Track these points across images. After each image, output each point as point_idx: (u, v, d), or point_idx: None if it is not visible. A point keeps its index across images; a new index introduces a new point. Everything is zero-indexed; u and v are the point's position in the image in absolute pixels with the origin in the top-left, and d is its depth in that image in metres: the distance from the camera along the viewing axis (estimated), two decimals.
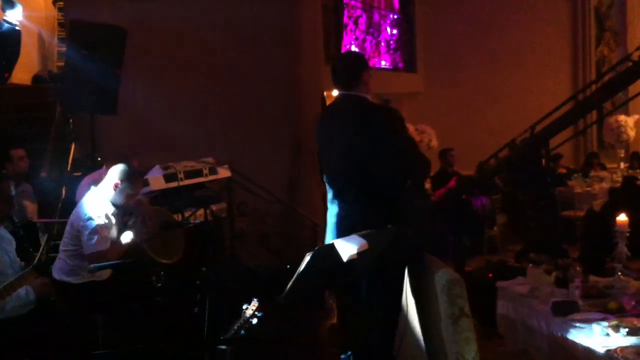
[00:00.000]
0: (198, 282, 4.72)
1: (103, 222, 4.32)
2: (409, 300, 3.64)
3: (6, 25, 6.20)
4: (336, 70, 3.74)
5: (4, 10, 6.24)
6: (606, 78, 9.44)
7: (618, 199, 7.09)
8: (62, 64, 9.98)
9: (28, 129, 8.29)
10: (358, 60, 3.81)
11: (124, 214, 4.61)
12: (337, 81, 3.70)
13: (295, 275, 2.89)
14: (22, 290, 3.50)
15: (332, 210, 3.66)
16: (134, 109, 7.62)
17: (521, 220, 9.75)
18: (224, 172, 6.75)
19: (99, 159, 6.81)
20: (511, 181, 9.77)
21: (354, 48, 11.31)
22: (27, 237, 4.58)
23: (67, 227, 4.46)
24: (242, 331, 3.69)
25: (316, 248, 2.99)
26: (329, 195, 3.72)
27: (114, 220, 4.46)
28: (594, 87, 10.16)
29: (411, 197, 3.71)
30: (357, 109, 3.59)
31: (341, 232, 3.42)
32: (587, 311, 3.76)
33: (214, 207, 6.73)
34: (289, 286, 2.97)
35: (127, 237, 4.42)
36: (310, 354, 5.33)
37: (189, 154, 6.82)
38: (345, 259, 2.95)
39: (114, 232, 4.44)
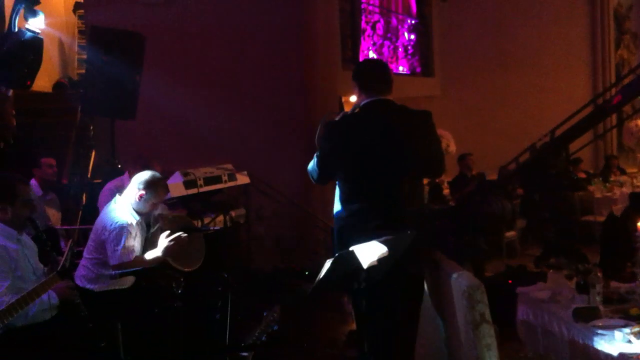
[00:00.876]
0: (219, 288, 4.74)
1: (128, 233, 4.34)
2: (428, 305, 3.64)
3: (29, 33, 6.28)
4: (373, 76, 3.75)
5: (26, 19, 6.32)
6: (625, 81, 9.35)
7: (639, 203, 7.00)
8: (82, 70, 10.10)
9: (49, 135, 8.40)
10: (387, 66, 3.89)
11: (148, 222, 4.63)
12: (374, 87, 3.70)
13: (316, 282, 2.90)
14: (44, 296, 3.53)
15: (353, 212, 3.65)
16: (153, 115, 7.68)
17: (540, 224, 9.70)
18: (242, 179, 6.79)
19: (119, 165, 6.87)
20: (530, 185, 9.71)
21: (371, 53, 11.32)
22: (48, 243, 4.63)
23: (92, 235, 4.49)
24: (263, 337, 3.71)
25: (337, 254, 2.99)
26: (346, 195, 3.70)
27: (139, 231, 4.48)
28: (613, 90, 10.08)
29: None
30: (406, 113, 3.66)
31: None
32: (609, 317, 3.74)
33: (233, 213, 6.77)
34: (310, 291, 2.98)
35: (152, 253, 4.44)
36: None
37: (208, 160, 6.86)
38: (365, 265, 2.96)
39: (138, 242, 4.46)
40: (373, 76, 3.73)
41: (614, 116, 11.01)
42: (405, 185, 3.59)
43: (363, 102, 3.68)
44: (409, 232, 3.15)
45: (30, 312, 3.52)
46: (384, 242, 3.00)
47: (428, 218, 3.91)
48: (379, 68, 3.91)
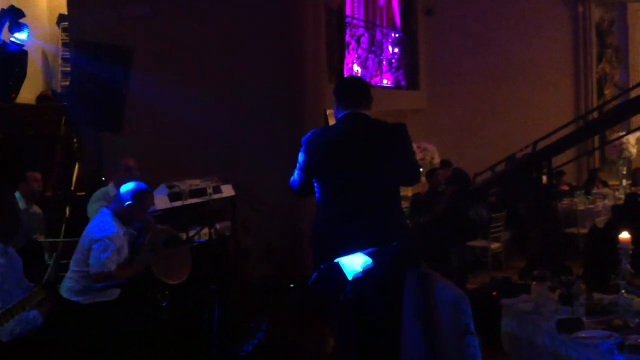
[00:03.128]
0: (207, 300, 4.73)
1: (114, 244, 4.34)
2: (412, 315, 3.65)
3: (14, 46, 6.27)
4: (350, 91, 3.83)
5: (11, 32, 6.31)
6: (610, 104, 9.48)
7: (621, 216, 7.09)
8: (66, 83, 10.06)
9: (33, 148, 8.35)
10: (367, 83, 3.96)
11: (135, 233, 4.64)
12: (351, 101, 3.77)
13: (302, 292, 2.91)
14: (30, 314, 3.53)
15: (339, 225, 3.69)
16: (139, 128, 7.67)
17: (525, 236, 9.76)
18: (228, 191, 6.78)
19: (103, 178, 6.85)
20: (505, 195, 9.80)
21: (356, 67, 11.38)
22: (32, 256, 4.61)
23: (79, 247, 4.49)
24: (250, 347, 3.70)
25: (322, 267, 3.01)
26: (336, 210, 3.74)
27: (125, 242, 4.48)
28: (597, 111, 10.23)
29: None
30: (379, 126, 3.73)
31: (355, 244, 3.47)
32: (592, 328, 3.77)
33: (218, 226, 6.76)
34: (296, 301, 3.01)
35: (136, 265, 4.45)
36: None
37: (194, 172, 6.86)
38: (350, 276, 2.97)
39: (125, 252, 4.46)
40: (350, 91, 3.86)
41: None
42: (381, 193, 3.68)
43: (340, 115, 3.77)
44: (394, 243, 3.17)
45: (14, 331, 3.50)
46: (370, 254, 3.01)
47: (414, 230, 3.96)
48: (357, 84, 4.07)
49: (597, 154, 13.10)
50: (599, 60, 13.50)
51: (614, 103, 9.53)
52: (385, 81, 12.21)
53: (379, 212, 3.64)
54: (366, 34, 11.71)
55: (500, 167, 9.59)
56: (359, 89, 3.87)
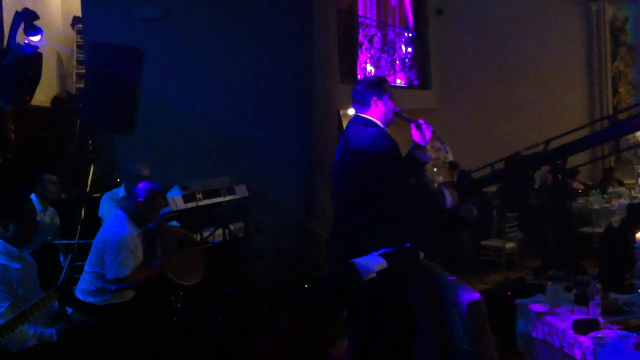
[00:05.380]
0: (220, 301, 4.74)
1: (128, 246, 4.35)
2: (426, 318, 3.64)
3: (28, 48, 6.30)
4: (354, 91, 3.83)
5: (26, 35, 6.34)
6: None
7: (637, 215, 7.02)
8: (80, 85, 10.11)
9: (48, 150, 8.39)
10: (372, 85, 3.87)
11: (149, 235, 4.65)
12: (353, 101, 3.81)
13: (317, 294, 2.91)
14: (47, 331, 3.56)
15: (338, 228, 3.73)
16: (152, 129, 7.69)
17: (539, 236, 9.71)
18: (241, 192, 6.79)
19: (118, 179, 6.87)
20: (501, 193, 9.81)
21: (369, 66, 11.38)
22: (47, 259, 4.63)
23: (93, 248, 4.51)
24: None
25: (336, 268, 3.01)
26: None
27: (139, 243, 4.50)
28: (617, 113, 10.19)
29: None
30: (354, 130, 3.71)
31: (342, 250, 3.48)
32: (608, 329, 3.74)
33: (231, 227, 6.77)
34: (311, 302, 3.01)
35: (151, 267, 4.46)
36: None
37: (207, 174, 6.87)
38: (365, 277, 2.97)
39: (139, 254, 4.47)
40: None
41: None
42: (348, 203, 3.69)
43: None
44: (408, 245, 3.16)
45: (27, 343, 3.51)
46: (383, 255, 3.01)
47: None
48: (358, 83, 4.01)
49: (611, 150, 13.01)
50: (613, 58, 13.40)
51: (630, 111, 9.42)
52: (398, 81, 12.20)
53: (342, 223, 3.63)
54: (379, 34, 11.70)
55: (499, 165, 9.56)
56: (357, 90, 3.86)
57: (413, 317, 3.54)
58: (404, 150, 3.77)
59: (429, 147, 3.78)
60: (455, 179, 9.49)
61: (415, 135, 3.70)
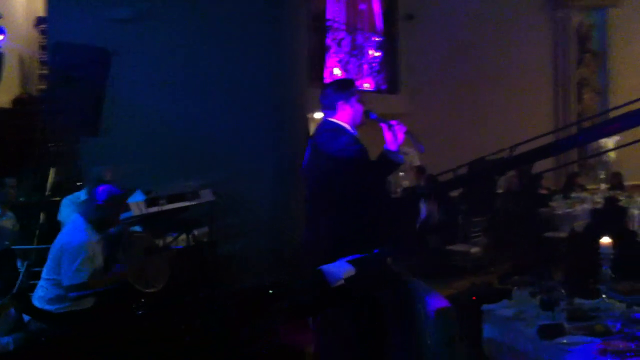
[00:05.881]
0: (190, 308, 4.66)
1: (85, 253, 4.24)
2: (395, 325, 3.61)
3: None
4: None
5: None
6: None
7: (600, 220, 7.12)
8: (43, 86, 9.91)
9: (8, 152, 8.20)
10: (338, 89, 3.83)
11: (111, 241, 4.55)
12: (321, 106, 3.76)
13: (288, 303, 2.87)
14: (3, 340, 3.46)
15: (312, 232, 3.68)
16: (117, 132, 7.57)
17: (505, 241, 9.77)
18: (206, 196, 6.70)
19: (79, 183, 6.73)
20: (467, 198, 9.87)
21: (337, 70, 11.36)
22: (5, 265, 4.50)
23: (50, 255, 4.38)
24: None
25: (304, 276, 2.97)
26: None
27: (99, 249, 4.39)
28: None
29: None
30: (322, 135, 3.67)
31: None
32: (574, 334, 3.75)
33: (196, 232, 6.66)
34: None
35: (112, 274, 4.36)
36: None
37: (173, 176, 6.77)
38: (332, 285, 2.92)
39: (98, 261, 4.36)
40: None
41: None
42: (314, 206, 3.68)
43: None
44: (376, 251, 3.12)
45: None
46: (352, 262, 2.96)
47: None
48: (325, 87, 3.98)
49: (575, 158, 13.19)
50: (578, 64, 13.58)
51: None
52: (366, 85, 12.20)
53: (313, 228, 3.62)
54: (347, 38, 11.69)
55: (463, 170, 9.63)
56: (324, 95, 3.83)
57: (382, 325, 3.50)
58: (375, 153, 3.73)
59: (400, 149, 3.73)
60: (422, 184, 9.52)
61: (388, 137, 3.66)
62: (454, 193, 10.12)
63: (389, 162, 3.66)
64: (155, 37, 8.18)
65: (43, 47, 10.53)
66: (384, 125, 3.69)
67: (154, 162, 7.81)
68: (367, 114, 3.75)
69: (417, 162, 10.67)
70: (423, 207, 3.38)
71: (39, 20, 10.74)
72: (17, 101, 10.04)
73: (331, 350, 3.52)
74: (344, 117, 3.68)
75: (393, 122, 3.68)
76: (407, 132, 3.70)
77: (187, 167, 7.75)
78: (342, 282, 2.92)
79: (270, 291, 6.02)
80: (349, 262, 2.98)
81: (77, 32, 7.53)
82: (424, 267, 8.21)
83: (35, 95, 10.35)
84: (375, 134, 4.17)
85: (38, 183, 7.32)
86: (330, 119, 3.67)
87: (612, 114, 9.95)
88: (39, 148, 7.79)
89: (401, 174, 9.76)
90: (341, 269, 2.94)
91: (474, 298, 5.78)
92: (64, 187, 7.04)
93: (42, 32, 10.55)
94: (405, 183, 10.43)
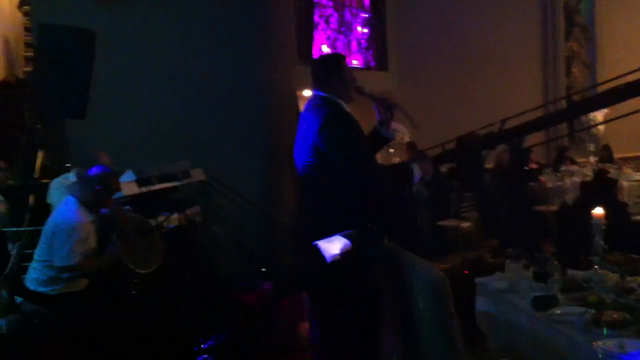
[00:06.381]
0: (180, 290, 4.65)
1: (79, 233, 4.21)
2: (389, 299, 3.61)
3: None
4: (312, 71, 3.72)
5: None
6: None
7: (590, 192, 7.13)
8: (29, 69, 9.80)
9: None
10: (328, 63, 3.78)
11: (104, 221, 4.52)
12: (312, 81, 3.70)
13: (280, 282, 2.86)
14: None
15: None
16: (105, 114, 7.51)
17: (494, 216, 9.80)
18: (197, 175, 6.67)
19: (68, 165, 6.68)
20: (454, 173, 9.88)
21: (325, 47, 11.30)
22: None
23: (42, 236, 4.35)
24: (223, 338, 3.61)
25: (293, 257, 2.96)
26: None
27: (92, 230, 4.36)
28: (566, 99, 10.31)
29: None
30: (313, 109, 3.60)
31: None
32: (567, 305, 3.77)
33: (187, 211, 6.65)
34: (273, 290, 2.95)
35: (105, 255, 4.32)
36: None
37: (163, 159, 6.73)
38: (328, 260, 2.91)
39: (92, 241, 4.33)
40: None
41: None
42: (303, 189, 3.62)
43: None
44: (369, 225, 3.11)
45: None
46: (347, 236, 2.95)
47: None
48: (314, 64, 3.86)
49: (564, 132, 13.22)
50: (567, 38, 13.57)
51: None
52: (355, 62, 12.15)
53: (304, 205, 3.60)
54: (335, 15, 11.61)
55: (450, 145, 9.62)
56: (314, 71, 3.72)
57: (379, 300, 3.50)
58: (367, 129, 3.72)
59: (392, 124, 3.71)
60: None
61: (379, 112, 3.65)
62: (443, 169, 10.13)
63: (380, 137, 3.66)
64: (140, 18, 8.10)
65: (27, 29, 10.40)
66: (375, 101, 3.67)
67: (142, 145, 7.78)
68: (358, 89, 3.70)
69: (407, 139, 10.65)
70: (416, 171, 3.33)
71: (23, 2, 10.59)
72: (3, 84, 9.93)
73: (327, 327, 3.51)
74: (334, 92, 3.62)
75: (384, 97, 3.67)
76: (398, 108, 3.68)
77: (176, 148, 7.72)
78: (339, 257, 2.91)
79: (263, 270, 6.01)
80: (344, 236, 2.96)
81: (61, 13, 7.44)
82: (414, 243, 8.24)
83: (21, 77, 10.25)
84: (366, 109, 4.16)
85: (27, 166, 7.26)
86: (320, 94, 3.61)
87: (601, 88, 9.99)
88: (27, 131, 7.72)
89: (391, 150, 9.75)
90: (337, 244, 2.93)
91: (466, 272, 5.82)
92: (53, 170, 6.99)
93: (26, 14, 10.41)
94: (395, 159, 10.42)
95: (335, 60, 3.75)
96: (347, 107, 3.64)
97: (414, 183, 3.70)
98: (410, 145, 10.07)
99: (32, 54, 8.66)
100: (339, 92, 3.61)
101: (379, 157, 4.03)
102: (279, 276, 6.53)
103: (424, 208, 9.58)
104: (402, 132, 10.69)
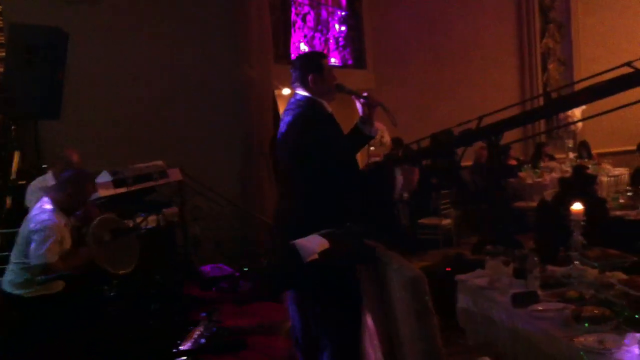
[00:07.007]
0: (153, 291, 4.59)
1: (54, 235, 4.14)
2: (367, 299, 3.59)
3: None
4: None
5: None
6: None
7: (569, 188, 7.17)
8: (0, 69, 9.65)
9: None
10: (308, 62, 3.73)
11: (79, 223, 4.46)
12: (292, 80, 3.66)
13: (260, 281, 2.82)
14: None
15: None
16: (79, 114, 7.42)
17: (474, 213, 9.84)
18: (174, 175, 6.61)
19: (44, 166, 6.59)
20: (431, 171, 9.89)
21: (303, 46, 11.26)
22: None
23: (18, 238, 4.29)
24: (202, 339, 3.57)
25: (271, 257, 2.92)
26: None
27: (68, 232, 4.30)
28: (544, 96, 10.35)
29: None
30: (294, 110, 3.57)
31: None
32: (547, 301, 3.77)
33: (165, 212, 6.58)
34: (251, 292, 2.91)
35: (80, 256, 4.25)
36: None
37: (139, 159, 6.66)
38: (305, 259, 2.87)
39: (67, 243, 4.27)
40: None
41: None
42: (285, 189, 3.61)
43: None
44: (348, 224, 3.08)
45: None
46: (325, 235, 2.92)
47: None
48: (294, 62, 3.83)
49: (542, 128, 13.30)
50: (542, 35, 13.66)
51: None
52: (333, 60, 12.11)
53: (285, 204, 3.58)
54: (312, 13, 11.57)
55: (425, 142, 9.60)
56: (294, 69, 3.67)
57: (359, 299, 3.47)
58: (347, 127, 3.69)
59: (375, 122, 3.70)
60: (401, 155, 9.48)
61: (361, 110, 3.63)
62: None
63: (362, 134, 3.64)
64: (111, 17, 8.01)
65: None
66: (356, 99, 3.65)
67: (117, 145, 7.69)
68: (339, 87, 3.67)
69: (387, 137, 10.67)
70: (399, 181, 3.30)
71: None
72: None
73: (307, 327, 3.49)
74: (314, 91, 3.57)
75: (365, 94, 3.65)
76: (379, 105, 3.65)
77: (152, 148, 7.64)
78: (316, 256, 2.88)
79: (245, 269, 5.97)
80: (322, 235, 2.93)
81: (32, 13, 7.34)
82: (396, 241, 8.23)
83: None
84: (347, 107, 4.13)
85: (3, 167, 7.16)
86: (301, 93, 3.57)
87: (578, 87, 10.03)
88: (1, 132, 7.61)
89: (372, 148, 9.73)
90: (315, 243, 2.89)
91: (447, 269, 5.81)
92: (29, 171, 6.89)
93: None
94: (375, 158, 10.42)
95: (316, 59, 3.71)
96: (329, 107, 3.61)
97: (394, 190, 3.67)
98: (396, 142, 10.06)
99: (3, 54, 8.53)
100: (320, 91, 3.57)
101: (359, 156, 4.01)
102: (258, 275, 6.48)
103: (404, 205, 9.60)
104: (381, 131, 10.80)
